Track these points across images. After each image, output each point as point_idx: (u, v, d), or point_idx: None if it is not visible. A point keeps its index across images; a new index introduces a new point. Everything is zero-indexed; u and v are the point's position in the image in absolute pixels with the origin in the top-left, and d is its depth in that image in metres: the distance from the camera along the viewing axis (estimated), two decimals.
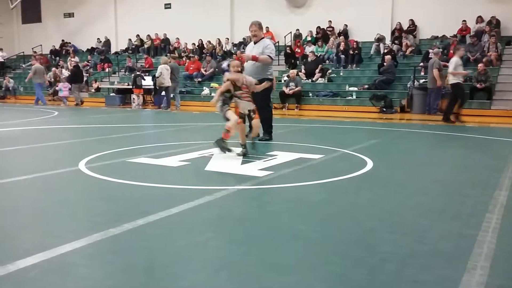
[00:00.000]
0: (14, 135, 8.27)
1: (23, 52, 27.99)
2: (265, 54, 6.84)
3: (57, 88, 19.51)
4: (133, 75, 16.58)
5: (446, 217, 3.30)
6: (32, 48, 27.04)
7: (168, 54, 19.75)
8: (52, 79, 20.99)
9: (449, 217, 3.28)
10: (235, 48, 20.83)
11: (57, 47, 26.32)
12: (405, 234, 2.90)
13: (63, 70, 21.57)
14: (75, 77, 18.55)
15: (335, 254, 2.57)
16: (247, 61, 6.66)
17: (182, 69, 20.18)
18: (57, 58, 25.04)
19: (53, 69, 21.81)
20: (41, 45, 27.06)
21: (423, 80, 14.29)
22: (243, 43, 20.57)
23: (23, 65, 26.67)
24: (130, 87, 18.37)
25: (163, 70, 15.21)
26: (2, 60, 26.08)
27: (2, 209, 3.47)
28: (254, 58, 6.65)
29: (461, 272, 2.32)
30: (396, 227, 3.04)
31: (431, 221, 3.18)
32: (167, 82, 15.30)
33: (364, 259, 2.49)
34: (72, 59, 21.11)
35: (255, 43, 7.00)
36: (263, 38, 7.08)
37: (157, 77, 15.45)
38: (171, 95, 15.90)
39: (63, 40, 26.60)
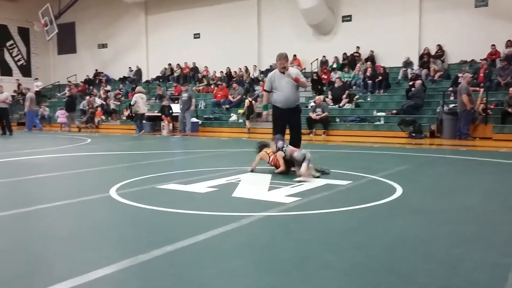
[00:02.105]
0: (49, 162, 8.53)
1: (58, 81, 29.08)
2: (301, 79, 7.17)
3: (55, 115, 21.59)
4: (162, 104, 17.14)
5: (479, 245, 3.20)
6: (67, 78, 28.06)
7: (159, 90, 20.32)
8: (86, 107, 21.64)
9: (483, 246, 3.19)
10: (262, 75, 21.08)
11: (91, 76, 27.22)
12: (439, 264, 2.82)
13: (96, 99, 22.25)
14: (69, 106, 20.84)
15: (366, 284, 2.52)
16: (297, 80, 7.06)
17: (210, 96, 20.53)
18: (91, 87, 25.86)
19: (87, 97, 22.50)
20: (75, 74, 28.06)
21: (453, 104, 14.07)
22: (270, 70, 20.76)
23: (58, 94, 27.65)
24: (160, 114, 18.77)
25: (138, 99, 16.90)
26: (38, 90, 27.08)
27: (36, 235, 3.57)
28: (297, 80, 7.03)
29: None
30: (429, 256, 2.97)
31: (464, 250, 3.10)
32: (142, 110, 16.97)
33: None
34: (71, 91, 23.18)
35: (283, 73, 7.15)
36: (288, 67, 7.31)
37: (132, 105, 17.23)
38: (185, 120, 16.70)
39: (96, 70, 27.52)
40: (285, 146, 6.60)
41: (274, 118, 7.34)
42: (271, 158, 6.71)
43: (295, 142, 7.19)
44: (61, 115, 20.85)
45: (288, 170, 6.54)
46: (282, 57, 7.15)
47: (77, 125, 20.33)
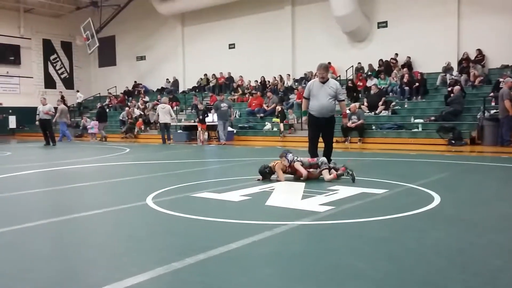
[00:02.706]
0: (89, 171, 8.82)
1: (99, 93, 30.05)
2: (339, 97, 7.56)
3: (88, 126, 22.28)
4: (200, 110, 17.18)
5: None
6: (107, 89, 28.95)
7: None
8: (126, 118, 22.22)
9: None
10: (296, 83, 21.08)
11: (130, 88, 27.98)
12: (476, 275, 2.74)
13: (135, 109, 22.82)
14: (101, 117, 21.56)
15: None
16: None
17: (245, 105, 20.68)
18: (130, 98, 26.57)
19: (127, 108, 23.12)
20: (115, 86, 28.92)
21: (494, 110, 13.60)
22: (305, 79, 20.77)
23: (99, 105, 28.53)
24: (196, 124, 19.06)
25: (159, 109, 17.91)
26: (80, 101, 28.10)
27: (73, 243, 3.69)
28: (345, 115, 8.27)
29: None
30: (466, 267, 2.88)
31: (503, 261, 2.99)
32: (163, 120, 17.49)
33: None
34: (111, 102, 24.08)
35: (323, 83, 7.48)
36: (329, 79, 7.63)
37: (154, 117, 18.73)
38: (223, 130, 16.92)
39: (135, 82, 28.27)
40: (296, 158, 6.81)
41: (308, 124, 7.75)
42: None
43: (327, 153, 7.39)
44: (94, 125, 21.66)
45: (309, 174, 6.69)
46: (322, 68, 7.51)
47: (102, 135, 21.05)
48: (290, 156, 6.80)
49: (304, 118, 8.00)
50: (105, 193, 6.23)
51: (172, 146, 16.50)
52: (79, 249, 3.50)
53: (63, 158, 11.67)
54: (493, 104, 14.12)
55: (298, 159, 6.81)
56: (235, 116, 19.72)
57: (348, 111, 16.06)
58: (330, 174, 6.60)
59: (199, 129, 17.07)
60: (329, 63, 20.19)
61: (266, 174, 6.71)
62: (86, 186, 6.78)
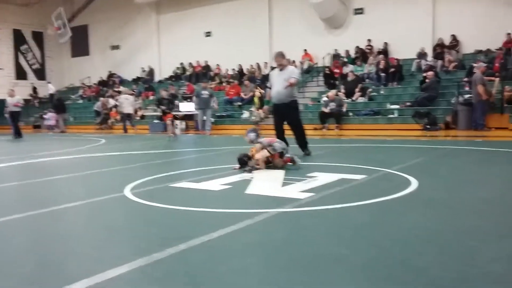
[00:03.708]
0: (64, 164, 8.64)
1: (72, 84, 29.44)
2: (292, 77, 7.59)
3: (45, 117, 22.24)
4: (165, 99, 15.29)
5: (495, 237, 3.15)
6: (81, 80, 28.38)
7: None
8: (100, 109, 21.85)
9: (499, 238, 3.14)
10: (273, 70, 21.03)
11: (104, 78, 27.48)
12: (454, 257, 2.79)
13: (110, 100, 22.45)
14: (58, 108, 21.73)
15: (380, 278, 2.50)
16: (286, 88, 7.49)
17: (222, 94, 20.56)
18: (105, 88, 26.12)
19: (101, 99, 22.72)
20: (89, 77, 28.37)
21: (468, 95, 13.86)
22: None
23: (73, 96, 27.98)
24: (173, 113, 18.84)
25: (123, 100, 18.38)
26: (52, 93, 27.44)
27: (51, 236, 3.61)
28: (292, 85, 7.52)
29: None
30: (444, 249, 2.93)
31: (480, 242, 3.05)
32: (126, 110, 18.22)
33: (412, 284, 2.41)
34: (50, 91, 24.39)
35: (280, 70, 7.72)
36: (287, 65, 7.86)
37: (117, 106, 18.86)
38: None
39: (110, 71, 27.77)
40: (259, 138, 6.82)
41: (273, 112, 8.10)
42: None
43: (298, 139, 7.50)
44: (52, 117, 21.35)
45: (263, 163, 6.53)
46: (277, 55, 7.75)
47: (61, 127, 20.97)
48: (252, 136, 6.84)
49: (265, 107, 8.22)
50: (81, 185, 6.12)
51: (149, 136, 16.31)
52: (58, 242, 3.42)
53: (36, 151, 11.41)
54: (467, 89, 14.39)
55: (259, 140, 6.76)
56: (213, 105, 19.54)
57: (325, 98, 16.20)
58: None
59: (167, 121, 15.11)
60: (305, 50, 20.31)
61: (245, 162, 6.65)
62: (62, 178, 6.64)
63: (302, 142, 7.84)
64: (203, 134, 15.93)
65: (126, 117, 18.35)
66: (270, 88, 7.97)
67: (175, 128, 17.62)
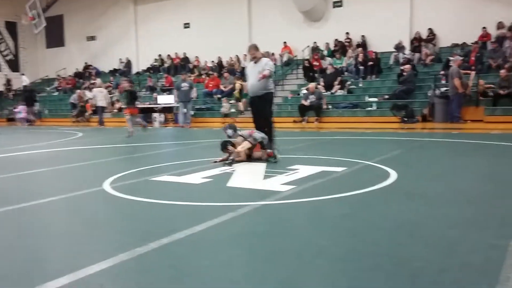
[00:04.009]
0: (40, 157, 8.47)
1: (47, 75, 28.78)
2: (266, 69, 7.48)
3: (15, 110, 21.84)
4: (126, 91, 12.69)
5: (475, 228, 3.22)
6: (56, 72, 27.78)
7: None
8: (77, 101, 21.44)
9: (478, 228, 3.21)
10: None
11: (81, 69, 26.96)
12: (435, 247, 2.84)
13: (87, 92, 22.04)
14: (28, 101, 21.57)
15: (362, 270, 2.53)
16: (260, 79, 7.38)
17: (201, 86, 20.41)
18: (81, 80, 25.63)
19: (78, 91, 22.29)
20: (65, 68, 27.77)
21: (445, 88, 14.09)
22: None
23: (48, 88, 27.39)
24: (151, 106, 18.69)
25: (97, 93, 18.36)
26: (26, 85, 26.77)
27: (31, 231, 3.54)
28: (265, 76, 7.39)
29: (494, 284, 2.26)
30: (425, 240, 2.98)
31: (460, 233, 3.11)
32: (100, 103, 18.15)
33: (394, 274, 2.44)
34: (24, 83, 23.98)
35: (255, 63, 7.66)
36: (261, 58, 7.76)
37: (91, 99, 18.93)
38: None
39: (86, 63, 27.25)
40: (236, 133, 6.88)
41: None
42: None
43: (262, 129, 7.29)
44: (22, 110, 21.05)
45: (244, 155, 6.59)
46: (250, 48, 7.76)
47: (31, 119, 20.81)
48: (230, 132, 6.91)
49: (243, 100, 8.19)
50: (59, 179, 6.01)
51: (127, 129, 16.09)
52: (38, 238, 3.36)
53: (11, 144, 11.14)
54: (443, 82, 14.62)
55: (240, 133, 6.80)
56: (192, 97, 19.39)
57: (305, 91, 16.25)
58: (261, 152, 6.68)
59: (127, 116, 12.59)
60: (285, 42, 20.30)
61: (226, 148, 6.61)
62: (39, 172, 6.51)
63: (269, 135, 7.75)
64: (183, 127, 15.75)
65: (100, 109, 18.27)
66: (246, 81, 8.01)
67: (154, 121, 17.46)
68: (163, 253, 2.87)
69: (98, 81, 20.94)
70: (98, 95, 18.35)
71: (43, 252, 3.04)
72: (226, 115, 17.00)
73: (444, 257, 2.67)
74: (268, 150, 6.63)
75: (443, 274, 2.43)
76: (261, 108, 7.60)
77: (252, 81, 7.57)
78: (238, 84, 17.45)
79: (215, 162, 6.54)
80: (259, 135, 6.66)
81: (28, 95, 22.07)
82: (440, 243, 2.91)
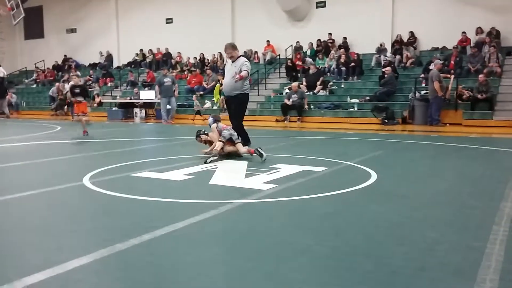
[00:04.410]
0: (18, 151, 8.29)
1: (25, 67, 28.20)
2: (243, 70, 7.46)
3: None
4: (77, 86, 11.27)
5: (453, 229, 3.28)
6: (35, 64, 27.24)
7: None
8: (56, 94, 21.08)
9: (457, 229, 3.27)
10: None
11: (60, 62, 26.49)
12: (414, 247, 2.88)
13: (66, 85, 21.66)
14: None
15: (343, 268, 2.55)
16: (237, 81, 7.41)
17: (183, 82, 20.28)
18: (60, 73, 25.19)
19: (57, 84, 21.90)
20: (43, 60, 27.25)
21: (424, 91, 14.31)
22: (244, 56, 20.59)
23: (26, 81, 26.83)
24: (132, 101, 18.50)
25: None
26: (2, 76, 26.09)
27: (8, 225, 3.47)
28: (242, 78, 7.38)
29: (471, 285, 2.31)
30: (404, 240, 3.03)
31: (439, 233, 3.17)
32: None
33: (374, 273, 2.47)
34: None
35: (232, 61, 7.65)
36: (239, 57, 7.73)
37: (66, 93, 17.92)
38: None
39: (65, 56, 26.79)
40: (215, 124, 6.94)
41: None
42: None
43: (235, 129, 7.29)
44: None
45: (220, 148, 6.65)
46: (227, 47, 7.67)
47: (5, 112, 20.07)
48: (210, 120, 7.08)
49: (222, 97, 8.25)
50: (37, 173, 5.89)
51: (107, 124, 15.90)
52: (15, 232, 3.29)
53: None
54: (423, 85, 14.84)
55: (218, 127, 6.89)
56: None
57: (287, 90, 16.30)
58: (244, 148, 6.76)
59: (76, 116, 11.20)
60: (268, 41, 20.32)
61: (199, 136, 7.03)
62: (16, 166, 6.37)
63: (239, 134, 7.75)
64: (167, 124, 15.45)
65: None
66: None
67: (135, 116, 17.27)
68: (144, 250, 2.85)
69: (73, 75, 20.66)
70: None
71: (21, 247, 2.98)
72: (197, 112, 16.93)
73: (423, 256, 2.71)
74: (250, 149, 6.65)
75: (422, 273, 2.47)
76: (233, 108, 7.66)
77: (227, 80, 7.61)
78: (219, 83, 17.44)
79: (205, 153, 6.69)
80: (227, 132, 6.72)
81: (0, 86, 21.62)
82: (419, 243, 2.96)
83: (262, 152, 6.42)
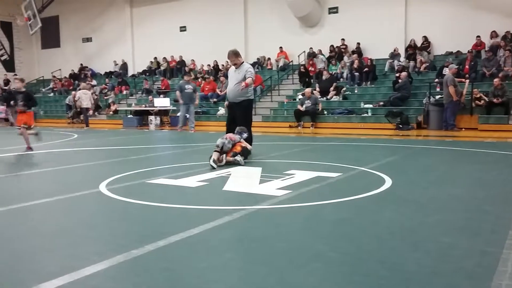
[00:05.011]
0: (35, 158, 8.44)
1: (42, 76, 28.69)
2: (247, 77, 7.58)
3: None
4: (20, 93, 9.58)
5: (468, 234, 3.26)
6: (52, 73, 27.71)
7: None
8: (72, 102, 21.39)
9: (471, 235, 3.25)
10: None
11: (76, 71, 26.90)
12: (427, 253, 2.88)
13: (77, 93, 21.95)
14: (8, 102, 21.22)
15: (357, 274, 2.56)
16: (242, 89, 7.54)
17: (197, 90, 20.36)
18: (76, 82, 25.58)
19: (73, 92, 22.22)
20: (60, 69, 27.71)
21: (439, 96, 14.21)
22: (257, 63, 20.77)
23: (43, 89, 27.29)
24: (147, 109, 18.69)
25: (81, 95, 18.69)
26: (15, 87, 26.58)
27: (26, 232, 3.54)
28: (247, 85, 7.51)
29: None
30: (418, 246, 3.02)
31: (453, 238, 3.15)
32: (85, 104, 18.52)
33: (388, 279, 2.47)
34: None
35: (236, 68, 7.78)
36: (242, 63, 7.85)
37: (76, 101, 19.24)
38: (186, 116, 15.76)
39: (81, 64, 27.21)
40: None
41: None
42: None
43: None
44: (2, 110, 21.32)
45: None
46: (230, 55, 7.79)
47: (10, 121, 20.50)
48: (238, 138, 7.10)
49: (226, 102, 8.31)
50: (55, 181, 6.00)
51: (123, 131, 16.09)
52: (33, 238, 3.36)
53: (5, 145, 11.10)
54: (438, 89, 14.73)
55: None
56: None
57: (301, 96, 16.32)
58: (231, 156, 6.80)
59: (18, 129, 9.41)
60: (281, 47, 20.38)
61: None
62: (35, 173, 6.50)
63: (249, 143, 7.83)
64: (181, 131, 15.21)
65: (85, 111, 18.61)
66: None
67: (150, 123, 17.41)
68: (159, 255, 2.89)
69: (83, 84, 21.28)
70: (82, 97, 18.72)
71: (38, 253, 3.05)
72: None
73: (437, 262, 2.71)
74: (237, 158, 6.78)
75: (436, 278, 2.47)
76: (238, 115, 7.70)
77: (232, 86, 7.73)
78: None
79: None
80: (220, 140, 6.82)
81: (7, 96, 22.32)
82: (433, 249, 2.95)
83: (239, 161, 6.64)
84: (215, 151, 6.70)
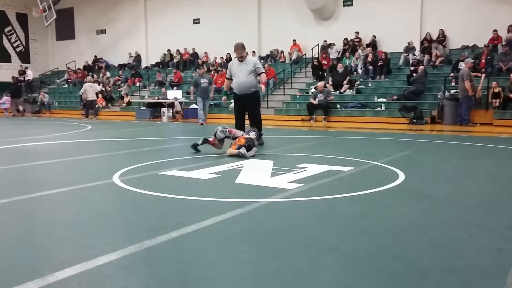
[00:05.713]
0: (49, 149, 8.53)
1: (57, 68, 28.94)
2: (258, 70, 7.92)
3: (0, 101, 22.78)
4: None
5: (483, 230, 3.21)
6: (66, 64, 27.93)
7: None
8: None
9: (487, 231, 3.20)
10: (262, 61, 20.94)
11: (90, 62, 27.08)
12: (443, 249, 2.84)
13: (96, 85, 22.13)
14: (14, 93, 22.96)
15: (371, 268, 2.53)
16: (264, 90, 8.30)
17: (212, 82, 20.37)
18: (90, 73, 25.75)
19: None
20: (74, 61, 27.91)
21: (454, 90, 14.02)
22: (271, 56, 20.69)
23: (58, 81, 27.53)
24: (160, 101, 18.77)
25: (87, 88, 19.21)
26: (30, 79, 26.93)
27: (40, 222, 3.58)
28: (265, 84, 8.10)
29: (501, 287, 2.26)
30: (433, 241, 2.98)
31: (468, 234, 3.11)
32: (90, 97, 19.22)
33: (402, 274, 2.45)
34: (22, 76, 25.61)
35: (241, 61, 7.99)
36: (247, 56, 8.14)
37: (82, 94, 19.51)
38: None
39: (95, 56, 27.37)
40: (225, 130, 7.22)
41: (234, 102, 8.50)
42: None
43: (253, 125, 7.96)
44: (6, 101, 22.19)
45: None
46: (238, 47, 7.98)
47: (19, 110, 22.37)
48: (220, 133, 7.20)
49: (223, 98, 8.67)
50: (69, 171, 6.05)
51: (136, 123, 16.18)
52: (46, 228, 3.39)
53: (21, 135, 11.24)
54: (453, 84, 14.54)
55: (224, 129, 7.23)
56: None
57: (313, 90, 16.23)
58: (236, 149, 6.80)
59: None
60: (294, 40, 20.26)
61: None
62: (48, 163, 6.56)
63: (258, 128, 8.09)
64: (199, 124, 15.08)
65: (90, 103, 19.32)
66: (229, 79, 8.22)
67: (163, 115, 17.47)
68: (171, 247, 2.90)
69: (89, 76, 21.77)
70: (88, 89, 19.19)
71: (52, 242, 3.07)
72: None
73: (452, 258, 2.67)
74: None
75: (450, 275, 2.43)
76: (252, 106, 7.99)
77: (241, 79, 7.84)
78: None
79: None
80: (221, 134, 7.09)
81: (14, 88, 22.98)
82: (447, 245, 2.91)
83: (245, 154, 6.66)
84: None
